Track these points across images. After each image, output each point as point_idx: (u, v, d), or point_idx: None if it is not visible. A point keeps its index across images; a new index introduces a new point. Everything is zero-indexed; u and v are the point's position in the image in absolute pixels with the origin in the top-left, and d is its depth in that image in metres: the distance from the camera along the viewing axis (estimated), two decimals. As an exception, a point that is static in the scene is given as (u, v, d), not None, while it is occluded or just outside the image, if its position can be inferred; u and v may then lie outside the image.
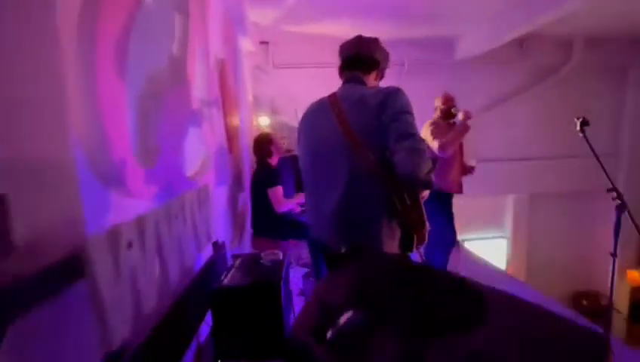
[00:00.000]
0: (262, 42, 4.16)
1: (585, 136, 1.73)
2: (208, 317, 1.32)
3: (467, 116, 2.36)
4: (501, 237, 5.77)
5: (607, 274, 5.71)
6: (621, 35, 4.45)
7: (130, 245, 0.81)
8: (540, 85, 4.81)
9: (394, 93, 1.12)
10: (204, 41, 1.83)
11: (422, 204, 1.16)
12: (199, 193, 1.19)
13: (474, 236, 5.67)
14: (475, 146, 4.88)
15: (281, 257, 1.47)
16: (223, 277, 1.33)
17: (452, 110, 2.47)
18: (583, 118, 1.71)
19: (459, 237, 5.34)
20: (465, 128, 2.35)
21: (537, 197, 5.51)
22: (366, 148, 1.10)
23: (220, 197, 2.29)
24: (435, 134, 2.31)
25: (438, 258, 2.51)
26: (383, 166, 1.09)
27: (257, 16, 3.48)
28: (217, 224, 2.07)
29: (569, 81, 4.77)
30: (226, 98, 2.33)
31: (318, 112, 1.27)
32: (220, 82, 2.25)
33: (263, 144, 2.59)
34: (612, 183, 1.71)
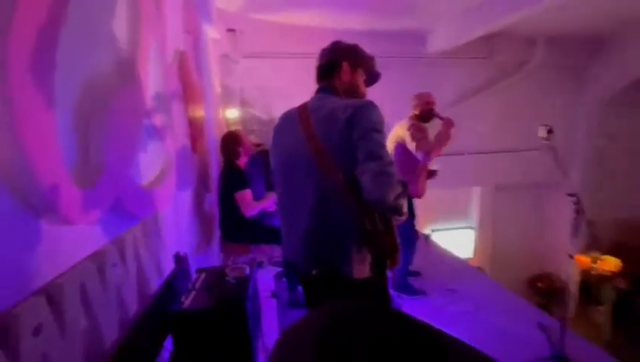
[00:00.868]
0: (229, 30, 3.92)
1: (548, 143, 1.76)
2: (169, 342, 1.22)
3: (450, 125, 2.24)
4: (468, 227, 6.02)
5: (560, 257, 6.19)
6: (578, 36, 4.69)
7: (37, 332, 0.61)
8: (506, 81, 4.96)
9: (364, 107, 1.04)
10: (160, 32, 1.65)
11: (395, 227, 1.10)
12: (144, 226, 1.05)
13: (442, 227, 5.88)
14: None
15: (247, 272, 1.39)
16: (183, 298, 1.23)
17: (433, 113, 2.40)
18: (550, 127, 1.74)
19: (428, 230, 5.55)
20: (448, 137, 2.21)
21: (502, 188, 5.77)
22: (335, 168, 1.02)
23: (183, 202, 2.14)
24: (417, 137, 2.21)
25: (403, 256, 2.52)
26: (353, 187, 1.01)
27: (223, 3, 3.26)
28: (180, 232, 1.94)
29: (532, 77, 4.96)
30: (188, 93, 2.15)
31: (287, 124, 1.19)
32: (181, 76, 2.07)
33: (230, 145, 2.43)
34: (572, 188, 1.76)
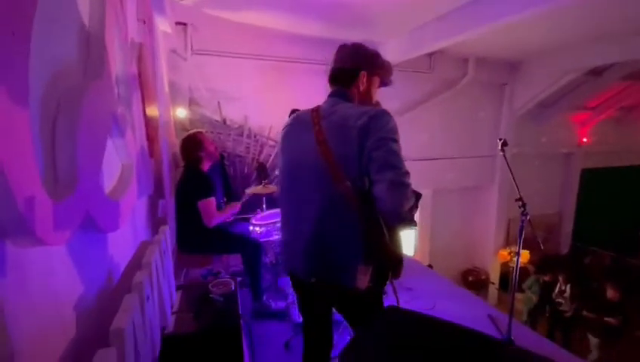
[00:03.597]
0: (178, 23, 3.63)
1: (504, 155, 1.98)
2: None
3: None
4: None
5: (486, 253, 6.98)
6: (500, 59, 5.45)
7: None
8: (443, 95, 5.48)
9: (379, 116, 1.02)
10: (122, 21, 1.45)
11: (400, 239, 1.12)
12: (159, 246, 0.88)
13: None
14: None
15: (233, 288, 1.28)
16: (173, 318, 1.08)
17: None
18: (504, 140, 1.95)
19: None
20: None
21: (439, 192, 6.32)
22: (344, 175, 1.00)
23: (140, 211, 1.90)
24: None
25: None
26: (360, 196, 1.00)
27: (175, -7, 3.01)
28: (137, 245, 1.72)
29: (465, 92, 5.56)
30: (145, 91, 1.93)
31: (298, 128, 1.14)
32: (139, 70, 1.85)
33: (192, 149, 2.24)
34: (520, 194, 2.01)
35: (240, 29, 3.78)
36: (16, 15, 0.64)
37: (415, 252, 6.55)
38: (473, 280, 6.92)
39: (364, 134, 1.00)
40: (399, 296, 2.88)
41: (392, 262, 1.07)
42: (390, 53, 4.59)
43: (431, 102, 5.46)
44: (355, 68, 1.17)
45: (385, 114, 1.05)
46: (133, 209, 1.62)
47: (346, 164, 1.01)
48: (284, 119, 4.13)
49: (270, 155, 4.30)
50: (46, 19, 0.80)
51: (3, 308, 0.55)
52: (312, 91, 4.77)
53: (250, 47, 4.03)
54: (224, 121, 4.11)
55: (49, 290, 0.78)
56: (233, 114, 4.16)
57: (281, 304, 2.47)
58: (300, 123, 1.15)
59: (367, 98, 1.19)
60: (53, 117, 0.83)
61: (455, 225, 6.85)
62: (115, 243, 1.30)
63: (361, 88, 1.17)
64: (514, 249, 6.47)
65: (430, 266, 5.12)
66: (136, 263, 1.15)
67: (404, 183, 0.98)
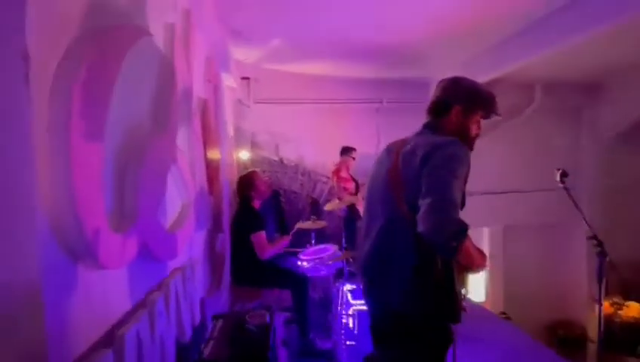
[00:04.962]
0: (243, 78, 4.17)
1: (565, 187, 1.78)
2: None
3: None
4: (479, 269, 5.84)
5: (580, 302, 5.87)
6: (573, 82, 4.95)
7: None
8: (509, 123, 5.12)
9: (443, 146, 1.05)
10: (188, 82, 1.76)
11: (460, 276, 1.06)
12: (183, 272, 1.03)
13: (452, 269, 5.69)
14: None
15: (267, 319, 1.35)
16: (202, 347, 1.18)
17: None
18: (563, 170, 1.77)
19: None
20: None
21: (511, 229, 5.69)
22: (404, 199, 1.04)
23: (198, 243, 2.13)
24: None
25: None
26: (415, 221, 1.00)
27: (241, 55, 3.50)
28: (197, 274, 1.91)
29: (533, 119, 5.12)
30: (207, 137, 2.24)
31: (384, 155, 1.22)
32: (203, 122, 2.17)
33: (245, 187, 2.48)
34: (592, 231, 1.75)
35: (295, 78, 4.18)
36: (101, 82, 0.86)
37: (486, 297, 5.85)
38: (564, 336, 5.82)
39: (425, 162, 1.03)
40: (463, 344, 2.58)
41: (445, 298, 1.02)
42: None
43: (496, 132, 5.13)
44: (446, 101, 1.18)
45: (451, 144, 1.06)
46: (191, 241, 1.83)
47: (407, 189, 1.05)
48: (337, 157, 4.25)
49: (324, 191, 4.45)
50: (126, 85, 1.04)
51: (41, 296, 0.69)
52: (365, 129, 4.93)
53: (306, 93, 4.38)
54: (281, 161, 4.43)
55: (108, 306, 0.94)
56: (289, 153, 4.48)
57: (328, 344, 2.43)
58: (387, 150, 1.22)
59: (462, 131, 1.18)
60: (124, 165, 1.05)
61: (535, 266, 5.97)
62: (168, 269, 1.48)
63: (454, 121, 1.17)
64: (619, 300, 5.35)
65: (504, 315, 4.50)
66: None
67: (444, 209, 0.95)
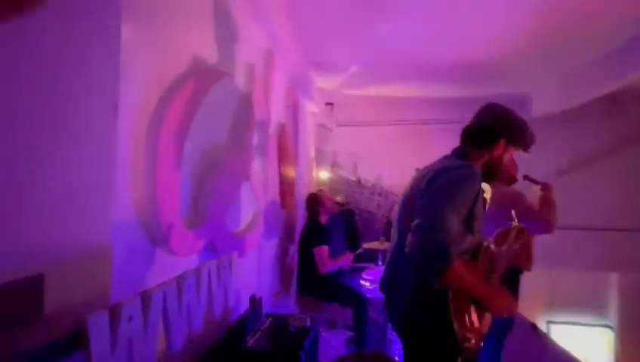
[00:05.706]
0: (327, 103, 4.51)
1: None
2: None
3: (551, 188, 1.99)
4: (604, 325, 4.67)
5: None
6: None
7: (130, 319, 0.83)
8: (634, 146, 4.14)
9: (447, 171, 1.04)
10: (265, 111, 2.09)
11: (456, 299, 1.00)
12: (219, 262, 1.25)
13: (565, 320, 4.70)
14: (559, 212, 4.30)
15: (308, 324, 1.46)
16: (249, 338, 1.37)
17: (527, 178, 2.17)
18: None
19: (542, 320, 4.54)
20: (554, 203, 1.95)
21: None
22: (411, 220, 1.04)
23: (268, 250, 2.41)
24: (531, 206, 1.89)
25: (490, 345, 2.05)
26: None
27: (323, 83, 3.84)
28: (260, 277, 2.17)
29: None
30: (283, 157, 2.55)
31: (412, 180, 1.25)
32: (279, 144, 2.49)
33: (312, 204, 2.68)
34: None
35: (378, 101, 4.31)
36: (185, 116, 1.17)
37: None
38: None
39: (429, 184, 1.04)
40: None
41: (437, 324, 1.00)
42: (540, 105, 4.02)
43: (617, 155, 4.21)
44: (491, 132, 1.14)
45: (455, 169, 1.05)
46: (259, 246, 2.11)
47: (413, 210, 1.06)
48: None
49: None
50: (207, 117, 1.35)
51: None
52: (449, 150, 4.67)
53: (388, 115, 4.45)
54: (358, 181, 4.56)
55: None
56: (368, 173, 4.57)
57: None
58: (416, 173, 1.24)
59: (495, 165, 1.15)
60: (200, 177, 1.35)
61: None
62: (242, 268, 1.76)
63: (495, 154, 1.13)
64: None
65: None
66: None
67: (430, 230, 0.95)
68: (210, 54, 1.44)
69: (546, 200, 1.96)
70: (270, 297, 2.37)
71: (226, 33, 1.60)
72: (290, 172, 2.76)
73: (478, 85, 3.82)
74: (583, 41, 2.75)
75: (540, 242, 1.99)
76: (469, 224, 1.03)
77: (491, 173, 1.15)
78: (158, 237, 1.07)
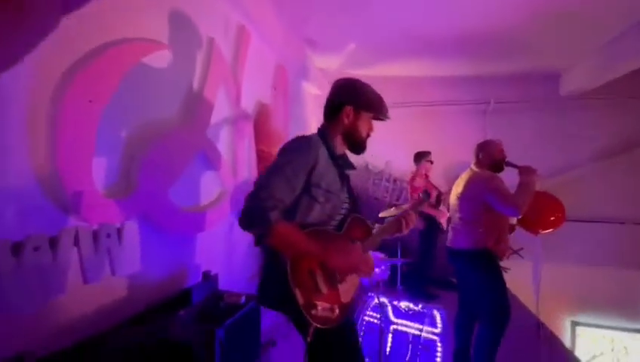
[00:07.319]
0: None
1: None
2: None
3: (532, 172, 1.87)
4: (637, 330, 4.16)
5: None
6: None
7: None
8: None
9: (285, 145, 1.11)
10: (232, 88, 2.06)
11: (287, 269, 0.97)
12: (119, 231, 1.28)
13: (594, 322, 4.25)
14: (587, 203, 3.81)
15: (242, 301, 1.43)
16: (184, 310, 1.38)
17: (507, 163, 1.99)
18: None
19: (567, 320, 4.11)
20: (534, 185, 1.85)
21: None
22: None
23: (240, 231, 2.40)
24: (507, 192, 1.83)
25: (482, 339, 1.90)
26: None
27: (323, 63, 3.71)
28: (228, 257, 2.17)
29: None
30: (263, 136, 2.51)
31: None
32: (259, 124, 2.45)
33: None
34: None
35: (384, 81, 4.08)
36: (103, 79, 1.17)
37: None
38: None
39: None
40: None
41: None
42: (576, 82, 3.53)
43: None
44: (334, 102, 1.17)
45: (289, 142, 1.10)
46: (230, 226, 2.12)
47: None
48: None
49: (408, 199, 4.16)
50: (141, 86, 1.35)
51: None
52: (468, 132, 4.26)
53: (400, 96, 4.16)
54: (366, 166, 4.40)
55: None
56: (376, 159, 4.39)
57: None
58: None
59: (352, 133, 1.18)
60: (131, 147, 1.35)
61: None
62: (196, 244, 1.78)
63: (346, 122, 1.16)
64: None
65: None
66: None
67: (249, 201, 0.97)
68: (148, 27, 1.43)
69: (521, 185, 1.85)
70: (245, 279, 2.37)
71: (177, 8, 1.58)
72: (273, 151, 2.72)
73: (494, 62, 3.45)
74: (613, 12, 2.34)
75: (567, 236, 1.78)
76: (310, 193, 1.04)
77: (353, 143, 1.18)
78: (69, 206, 1.09)
